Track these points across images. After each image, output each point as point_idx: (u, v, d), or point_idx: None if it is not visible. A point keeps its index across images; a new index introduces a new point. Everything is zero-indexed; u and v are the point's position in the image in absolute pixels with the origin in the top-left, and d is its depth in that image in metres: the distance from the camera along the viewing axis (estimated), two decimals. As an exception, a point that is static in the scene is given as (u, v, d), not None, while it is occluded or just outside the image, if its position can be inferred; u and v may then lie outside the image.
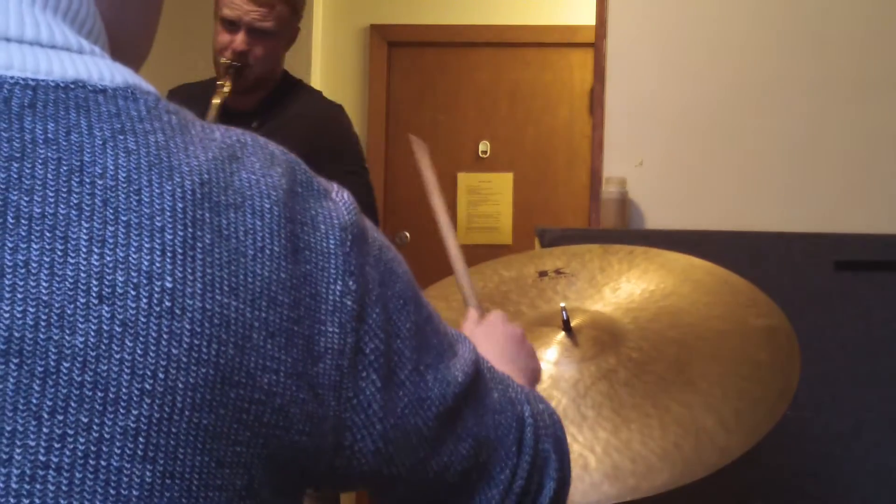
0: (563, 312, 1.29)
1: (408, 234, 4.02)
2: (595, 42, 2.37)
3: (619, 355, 1.26)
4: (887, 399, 1.92)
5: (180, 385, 0.48)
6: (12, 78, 0.51)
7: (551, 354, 1.28)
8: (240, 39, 2.27)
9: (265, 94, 2.38)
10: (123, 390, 0.47)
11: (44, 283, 0.47)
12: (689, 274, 1.42)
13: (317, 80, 3.84)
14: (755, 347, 1.28)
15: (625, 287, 1.40)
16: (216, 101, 2.24)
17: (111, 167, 0.50)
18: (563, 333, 1.29)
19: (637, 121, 2.31)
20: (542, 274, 1.45)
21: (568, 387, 1.23)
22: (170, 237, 0.49)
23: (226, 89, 2.26)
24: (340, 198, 0.59)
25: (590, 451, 1.14)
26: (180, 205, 0.50)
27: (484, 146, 4.20)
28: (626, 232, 2.21)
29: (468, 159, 4.18)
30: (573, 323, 1.30)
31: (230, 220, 0.52)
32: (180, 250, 0.49)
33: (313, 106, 2.44)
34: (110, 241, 0.48)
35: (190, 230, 0.50)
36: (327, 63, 4.03)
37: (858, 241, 2.01)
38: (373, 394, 0.57)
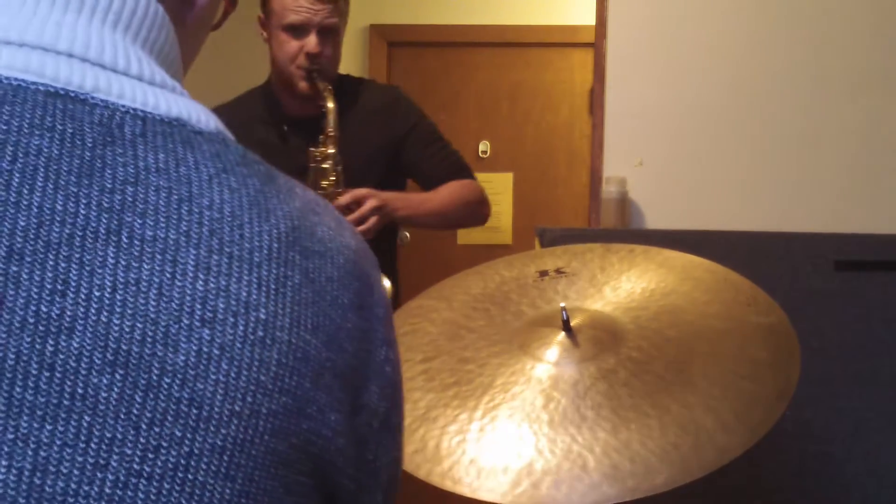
0: (563, 313, 1.29)
1: (408, 234, 4.01)
2: (595, 42, 2.37)
3: (619, 355, 1.26)
4: (887, 399, 1.92)
5: (264, 410, 0.51)
6: (124, 107, 0.54)
7: (552, 355, 1.28)
8: (313, 41, 2.23)
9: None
10: (216, 409, 0.50)
11: (152, 302, 0.50)
12: (689, 272, 1.42)
13: (317, 80, 3.83)
14: (755, 346, 1.28)
15: (625, 286, 1.40)
16: (331, 104, 2.21)
17: (217, 201, 0.53)
18: (563, 333, 1.29)
19: (637, 121, 2.31)
20: (543, 274, 1.45)
21: (567, 387, 1.23)
22: (265, 273, 0.53)
23: (328, 89, 2.23)
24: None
25: (589, 452, 1.14)
26: (276, 244, 0.54)
27: (484, 146, 4.20)
28: (626, 232, 2.21)
29: (468, 159, 4.17)
30: (573, 323, 1.30)
31: (315, 265, 0.56)
32: (273, 286, 0.53)
33: (375, 95, 2.43)
34: (214, 269, 0.52)
35: (283, 269, 0.54)
36: (327, 63, 4.03)
37: (858, 241, 2.01)
38: (386, 465, 0.61)
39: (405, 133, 2.39)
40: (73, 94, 0.53)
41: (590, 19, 2.43)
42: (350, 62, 4.14)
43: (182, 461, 0.49)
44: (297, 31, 2.25)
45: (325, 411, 0.54)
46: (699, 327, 1.31)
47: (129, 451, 0.48)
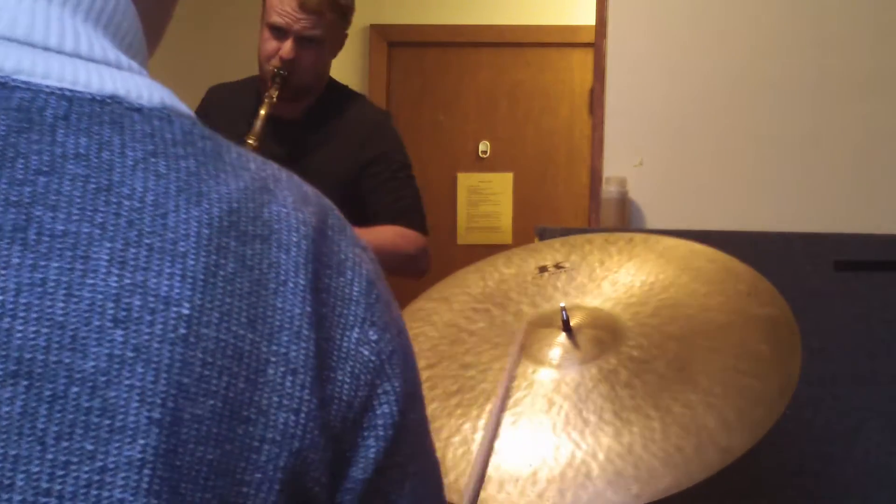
0: (563, 313, 1.28)
1: (408, 234, 4.01)
2: (595, 42, 2.37)
3: (620, 355, 1.26)
4: (887, 399, 1.92)
5: (187, 416, 0.47)
6: (48, 87, 0.49)
7: (552, 357, 1.26)
8: (288, 47, 2.23)
9: (312, 102, 2.34)
10: (131, 418, 0.46)
11: (59, 304, 0.46)
12: (689, 262, 1.40)
13: (317, 80, 3.84)
14: (756, 339, 1.27)
15: (624, 280, 1.39)
16: (263, 111, 2.20)
17: (139, 189, 0.49)
18: (563, 335, 1.28)
19: (637, 121, 2.31)
20: (542, 270, 1.44)
21: (570, 391, 1.22)
22: (192, 263, 0.48)
23: (273, 98, 2.21)
24: (372, 254, 0.57)
25: (592, 458, 1.13)
26: (206, 231, 0.49)
27: (484, 146, 4.20)
28: (626, 232, 2.21)
29: (468, 159, 4.19)
30: (573, 322, 1.29)
31: (255, 250, 0.50)
32: (201, 277, 0.48)
33: (361, 114, 2.39)
34: (131, 263, 0.47)
35: (213, 257, 0.49)
36: (327, 63, 4.03)
37: (858, 241, 2.01)
38: (366, 462, 0.53)
39: (369, 160, 2.33)
40: None
41: (590, 19, 2.43)
42: (350, 62, 4.14)
43: (95, 477, 0.45)
44: (278, 32, 2.25)
45: (271, 412, 0.49)
46: (699, 321, 1.30)
47: (35, 469, 0.44)
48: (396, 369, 0.55)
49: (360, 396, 0.53)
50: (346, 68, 4.22)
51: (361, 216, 2.25)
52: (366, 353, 0.53)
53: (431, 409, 1.23)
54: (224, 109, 2.35)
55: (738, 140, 2.30)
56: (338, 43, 2.37)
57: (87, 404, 0.45)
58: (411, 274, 2.36)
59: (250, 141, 2.18)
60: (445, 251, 4.05)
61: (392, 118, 2.48)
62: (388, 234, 2.28)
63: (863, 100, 2.27)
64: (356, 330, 0.53)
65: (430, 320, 1.39)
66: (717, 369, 1.23)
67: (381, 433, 0.53)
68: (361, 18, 4.15)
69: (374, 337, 0.54)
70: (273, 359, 0.50)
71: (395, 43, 4.15)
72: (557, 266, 1.44)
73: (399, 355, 0.55)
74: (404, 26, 4.14)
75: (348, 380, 0.52)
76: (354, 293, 0.54)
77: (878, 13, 2.28)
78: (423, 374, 1.29)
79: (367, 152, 2.33)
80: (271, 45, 2.25)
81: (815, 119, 2.28)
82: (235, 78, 2.50)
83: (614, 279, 1.39)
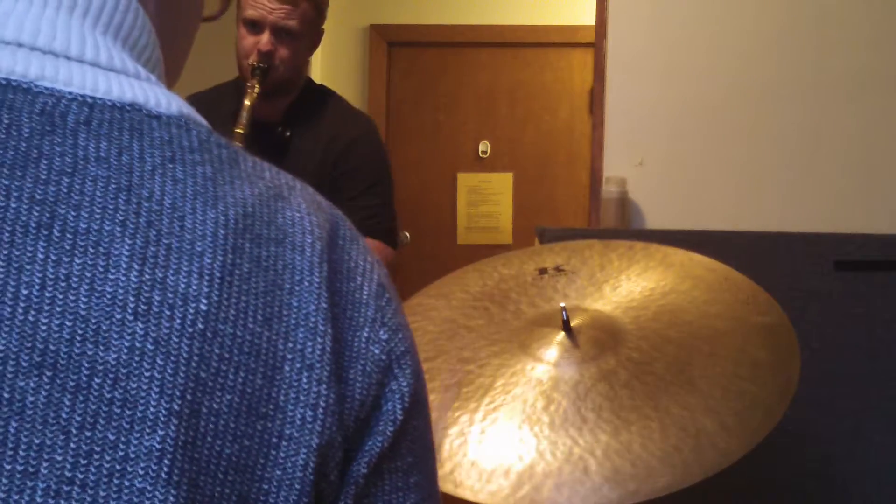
0: (563, 313, 1.29)
1: (408, 234, 4.01)
2: (595, 42, 2.37)
3: (619, 356, 1.26)
4: (887, 399, 1.92)
5: (204, 409, 0.48)
6: (70, 94, 0.51)
7: (551, 355, 1.27)
8: (265, 39, 2.22)
9: (291, 102, 2.33)
10: (151, 409, 0.47)
11: (83, 298, 0.47)
12: (689, 270, 1.42)
13: (316, 80, 3.84)
14: (755, 346, 1.28)
15: (625, 285, 1.40)
16: (247, 101, 2.18)
17: (157, 192, 0.50)
18: (563, 334, 1.29)
19: (637, 121, 2.31)
20: (542, 272, 1.45)
21: (568, 388, 1.22)
22: (209, 262, 0.50)
23: (256, 89, 2.20)
24: (382, 265, 0.58)
25: (590, 455, 1.13)
26: (222, 231, 0.50)
27: (484, 146, 4.20)
28: (626, 232, 2.21)
29: (468, 159, 4.19)
30: (573, 323, 1.30)
31: (270, 252, 0.52)
32: (218, 275, 0.50)
33: (343, 120, 2.38)
34: (150, 260, 0.49)
35: (230, 257, 0.50)
36: (327, 63, 4.03)
37: (858, 241, 2.01)
38: (369, 457, 0.53)
39: (342, 174, 2.33)
40: (14, 84, 0.51)
41: (590, 19, 2.43)
42: (350, 62, 4.14)
43: (117, 466, 0.46)
44: (254, 26, 2.24)
45: (288, 408, 0.50)
46: (699, 327, 1.31)
47: (59, 458, 0.45)
48: (406, 370, 0.55)
49: (371, 395, 0.53)
50: (346, 68, 4.22)
51: None
52: (376, 351, 0.54)
53: (429, 400, 1.23)
54: (205, 116, 2.34)
55: (738, 140, 2.30)
56: (314, 38, 2.36)
57: (108, 395, 0.46)
58: None
59: (239, 130, 2.16)
60: (445, 251, 4.05)
61: (374, 126, 2.46)
62: None
63: (863, 99, 2.27)
64: (366, 329, 0.54)
65: (429, 316, 1.40)
66: (717, 374, 1.24)
67: (382, 428, 0.54)
68: (361, 18, 4.15)
69: (385, 336, 0.55)
70: (289, 356, 0.51)
71: (395, 43, 4.15)
72: (558, 269, 1.44)
73: (409, 357, 0.56)
74: (404, 26, 4.14)
75: (360, 378, 0.53)
76: (364, 296, 0.55)
77: (877, 13, 2.28)
78: (423, 367, 1.30)
79: (340, 166, 2.33)
80: (249, 41, 2.25)
81: (815, 119, 2.28)
82: (209, 82, 2.48)
83: (615, 283, 1.40)
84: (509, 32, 4.11)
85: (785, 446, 1.87)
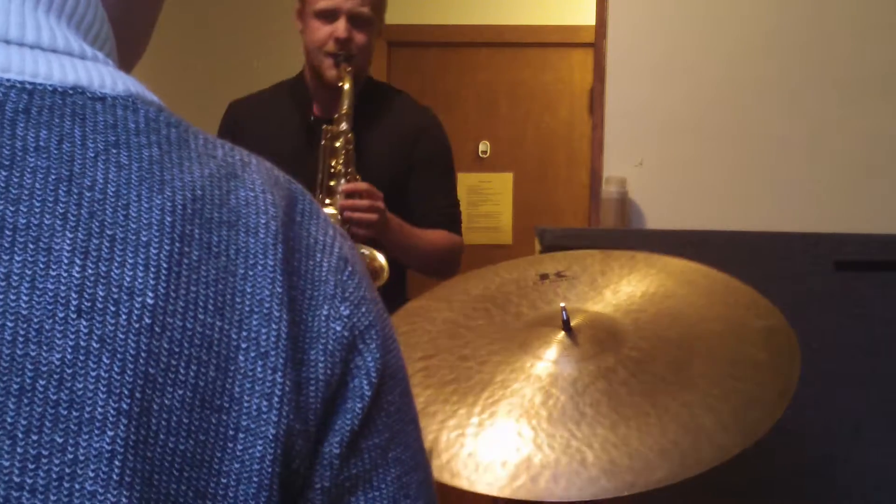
0: (563, 312, 1.30)
1: (408, 234, 4.01)
2: (595, 42, 2.38)
3: (619, 355, 1.27)
4: (887, 399, 1.92)
5: (155, 406, 0.46)
6: (9, 80, 0.49)
7: (551, 353, 1.28)
8: (342, 27, 2.19)
9: (355, 99, 2.27)
10: (99, 410, 0.45)
11: (24, 297, 0.45)
12: (688, 277, 1.43)
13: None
14: (754, 348, 1.29)
15: (625, 289, 1.41)
16: (347, 86, 2.17)
17: (100, 181, 0.48)
18: (562, 333, 1.30)
19: (637, 121, 2.31)
20: (544, 277, 1.46)
21: (567, 384, 1.23)
22: (155, 252, 0.48)
23: (348, 71, 2.17)
24: (347, 238, 0.56)
25: (587, 447, 1.14)
26: (168, 219, 0.48)
27: (484, 146, 4.20)
28: (626, 232, 2.21)
29: (468, 159, 4.19)
30: (573, 323, 1.31)
31: (221, 237, 0.50)
32: (165, 265, 0.48)
33: (407, 113, 2.36)
34: (93, 253, 0.47)
35: (177, 245, 0.48)
36: (327, 63, 4.03)
37: (858, 241, 2.01)
38: (341, 436, 0.52)
39: (421, 161, 2.33)
40: None
41: (590, 19, 2.43)
42: (350, 62, 4.14)
43: (67, 469, 0.44)
44: (328, 16, 2.22)
45: (244, 399, 0.48)
46: (699, 329, 1.31)
47: (6, 463, 0.44)
48: (371, 344, 0.53)
49: (336, 374, 0.51)
50: (346, 68, 4.22)
51: (409, 212, 2.27)
52: (337, 328, 0.52)
53: (426, 395, 1.24)
54: (259, 121, 2.32)
55: (739, 140, 2.30)
56: (380, 27, 2.33)
57: (54, 397, 0.45)
58: (448, 275, 2.39)
59: (344, 111, 2.15)
60: (445, 251, 4.05)
61: (437, 118, 2.43)
62: (444, 242, 2.31)
63: (863, 100, 2.27)
64: (325, 306, 0.52)
65: (429, 317, 1.41)
66: (716, 374, 1.24)
67: (350, 406, 0.52)
68: (361, 18, 4.15)
69: (346, 312, 0.53)
70: (244, 345, 0.49)
71: (395, 43, 4.15)
72: (559, 274, 1.45)
73: (376, 331, 0.54)
74: (404, 26, 4.14)
75: (322, 358, 0.51)
76: (324, 273, 0.53)
77: (878, 14, 2.28)
78: (420, 364, 1.30)
79: (417, 153, 2.32)
80: (323, 31, 2.22)
81: (815, 119, 2.28)
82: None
83: (615, 288, 1.41)
84: (509, 32, 4.11)
85: (785, 446, 1.88)
